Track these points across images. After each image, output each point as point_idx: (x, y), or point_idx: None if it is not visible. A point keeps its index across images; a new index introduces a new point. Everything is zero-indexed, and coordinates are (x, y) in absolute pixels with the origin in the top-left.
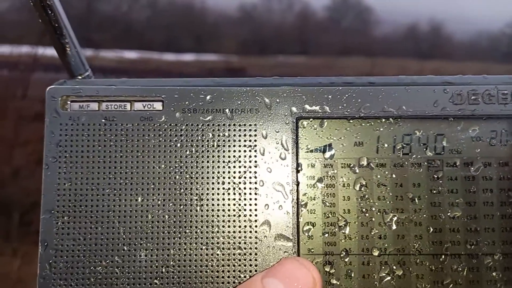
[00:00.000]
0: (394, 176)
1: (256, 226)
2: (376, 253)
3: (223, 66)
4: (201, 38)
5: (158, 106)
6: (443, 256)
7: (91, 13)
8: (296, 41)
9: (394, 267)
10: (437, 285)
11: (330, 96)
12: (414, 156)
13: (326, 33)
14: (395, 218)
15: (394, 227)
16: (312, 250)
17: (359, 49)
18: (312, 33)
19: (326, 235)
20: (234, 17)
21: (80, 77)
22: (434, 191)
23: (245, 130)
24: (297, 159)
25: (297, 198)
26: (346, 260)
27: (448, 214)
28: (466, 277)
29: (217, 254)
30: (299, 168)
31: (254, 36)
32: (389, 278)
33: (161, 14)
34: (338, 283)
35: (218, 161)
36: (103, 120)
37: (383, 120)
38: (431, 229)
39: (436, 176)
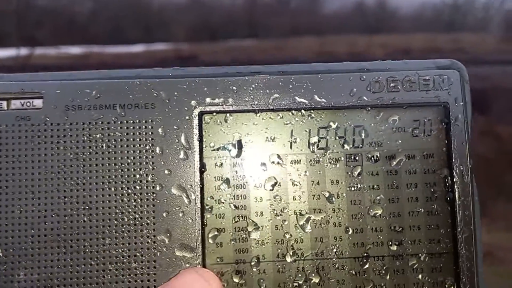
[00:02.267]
0: (309, 173)
1: (154, 236)
2: (291, 259)
3: (174, 54)
4: (149, 28)
5: (38, 103)
6: (365, 259)
7: (30, 8)
8: (246, 25)
9: (312, 274)
10: None
11: (235, 88)
12: (331, 150)
13: (275, 15)
14: (311, 220)
15: (310, 229)
16: (222, 259)
17: (308, 29)
18: (261, 16)
19: (237, 241)
20: (181, 3)
21: None
22: (354, 188)
23: (139, 128)
24: (201, 158)
25: (201, 202)
26: (259, 268)
27: (370, 212)
28: (390, 280)
29: (109, 270)
30: (203, 169)
31: (203, 21)
32: (305, 286)
33: (105, 6)
34: None
35: (109, 164)
36: None
37: (295, 112)
38: (351, 230)
39: (355, 172)
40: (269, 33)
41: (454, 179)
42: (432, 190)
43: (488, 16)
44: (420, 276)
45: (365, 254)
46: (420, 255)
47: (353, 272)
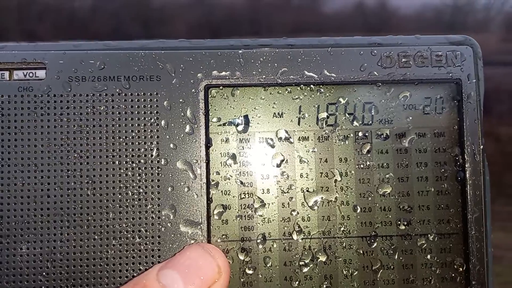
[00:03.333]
0: (317, 150)
1: (158, 211)
2: (297, 237)
3: None
4: (149, 24)
5: (41, 74)
6: (372, 239)
7: (31, 3)
8: (248, 22)
9: (319, 252)
10: (366, 271)
11: (242, 61)
12: (340, 127)
13: (277, 13)
14: (319, 198)
15: (318, 207)
16: (227, 236)
17: (310, 27)
18: (263, 13)
19: (242, 218)
20: (183, 0)
21: None
22: (362, 166)
23: (144, 100)
24: (206, 133)
25: (207, 178)
26: (264, 246)
27: (378, 191)
28: (398, 260)
29: (113, 245)
30: (209, 144)
31: (205, 18)
32: (312, 264)
33: (105, 1)
34: (255, 272)
35: (113, 137)
36: None
37: (304, 87)
38: (359, 209)
39: (364, 150)
40: (271, 31)
41: (466, 158)
42: (442, 169)
43: (489, 17)
44: (428, 256)
45: (373, 233)
46: (429, 235)
47: (361, 251)
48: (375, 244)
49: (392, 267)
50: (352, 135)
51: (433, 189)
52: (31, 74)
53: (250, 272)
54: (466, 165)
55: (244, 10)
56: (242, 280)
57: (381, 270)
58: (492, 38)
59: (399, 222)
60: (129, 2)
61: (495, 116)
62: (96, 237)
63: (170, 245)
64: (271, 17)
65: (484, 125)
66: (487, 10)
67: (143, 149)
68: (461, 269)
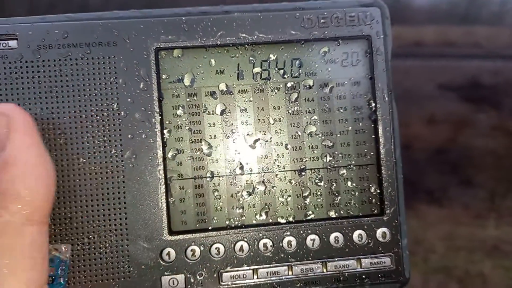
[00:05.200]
0: (254, 100)
1: (122, 156)
2: (241, 173)
3: None
4: (155, 2)
5: (13, 44)
6: (303, 171)
7: None
8: (257, 0)
9: (258, 185)
10: (298, 198)
11: (186, 26)
12: (272, 80)
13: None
14: (257, 140)
15: (256, 147)
16: (182, 176)
17: None
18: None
19: (194, 160)
20: None
21: None
22: (292, 112)
23: (104, 63)
24: (158, 89)
25: (161, 126)
26: (213, 181)
27: (306, 132)
28: (324, 188)
29: (84, 185)
30: (161, 98)
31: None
32: (253, 195)
33: None
34: (207, 204)
35: (79, 95)
36: None
37: (240, 47)
38: (291, 147)
39: (293, 98)
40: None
41: (377, 101)
42: (359, 112)
43: (504, 10)
44: (349, 184)
45: (303, 167)
46: (349, 166)
47: (293, 182)
48: (305, 176)
49: (319, 193)
50: (282, 86)
51: (351, 128)
52: (4, 45)
53: (203, 203)
54: (378, 107)
55: None
56: (196, 210)
57: (310, 197)
58: (506, 31)
59: (324, 157)
60: None
61: (506, 110)
62: (69, 179)
63: (133, 183)
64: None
65: (495, 119)
66: (502, 3)
67: (105, 104)
68: (376, 193)
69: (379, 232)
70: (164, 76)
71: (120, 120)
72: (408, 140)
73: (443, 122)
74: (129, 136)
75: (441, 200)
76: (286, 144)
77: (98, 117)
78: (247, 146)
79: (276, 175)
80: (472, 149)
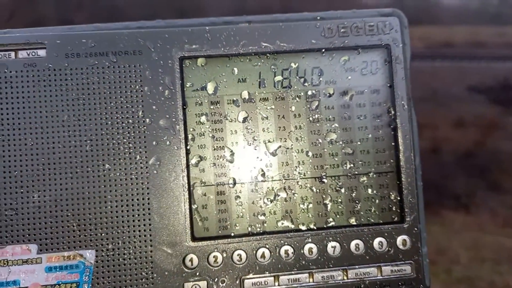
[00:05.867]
0: (275, 108)
1: (146, 162)
2: (262, 180)
3: None
4: (184, 12)
5: (42, 53)
6: (323, 178)
7: None
8: (280, 11)
9: (280, 192)
10: (319, 205)
11: (209, 35)
12: (293, 88)
13: (310, 2)
14: (278, 147)
15: (277, 155)
16: (204, 182)
17: None
18: (297, 2)
19: (216, 166)
20: None
21: None
22: (313, 120)
23: (130, 71)
24: (183, 96)
25: (185, 134)
26: (236, 188)
27: (326, 139)
28: (345, 195)
29: (110, 191)
30: (185, 106)
31: (239, 7)
32: (275, 202)
33: None
34: (230, 210)
35: (105, 102)
36: None
37: (261, 56)
38: (311, 155)
39: (313, 106)
40: None
41: (396, 109)
42: (378, 119)
43: None
44: (369, 191)
45: (324, 174)
46: (369, 174)
47: (314, 189)
48: (325, 183)
49: (340, 201)
50: (303, 94)
51: (371, 136)
52: (33, 53)
53: (225, 210)
54: (397, 114)
55: (276, 0)
56: (218, 217)
57: (331, 204)
58: None
59: (344, 164)
60: None
61: None
62: (95, 185)
63: (157, 190)
64: (304, 5)
65: None
66: None
67: (130, 111)
68: (396, 200)
69: (400, 239)
70: (188, 84)
71: (145, 127)
72: (436, 143)
73: (472, 125)
74: (154, 143)
75: (468, 206)
76: (307, 152)
77: (124, 124)
78: (269, 153)
79: (297, 182)
80: (501, 153)
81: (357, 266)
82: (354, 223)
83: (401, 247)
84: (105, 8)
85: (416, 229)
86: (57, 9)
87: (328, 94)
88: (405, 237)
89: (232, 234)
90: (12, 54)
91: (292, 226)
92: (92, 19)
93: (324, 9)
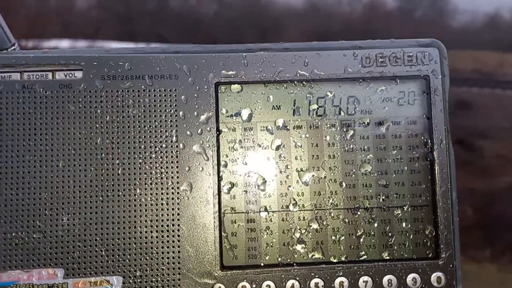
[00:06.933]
0: (309, 136)
1: (178, 188)
2: (293, 209)
3: None
4: (266, 32)
5: (78, 74)
6: (356, 210)
7: (163, 9)
8: (364, 34)
9: (311, 222)
10: (351, 237)
11: (246, 62)
12: (328, 117)
13: (396, 25)
14: (311, 176)
15: (310, 184)
16: (235, 209)
17: None
18: (381, 25)
19: (247, 193)
20: (300, 9)
21: (5, 51)
22: (347, 150)
23: (165, 95)
24: (217, 122)
25: (218, 160)
26: (266, 216)
27: (360, 170)
28: (378, 228)
29: (140, 216)
30: (219, 132)
31: (321, 28)
32: (306, 232)
33: (227, 8)
34: (260, 238)
35: (139, 126)
36: (22, 89)
37: (297, 83)
38: (345, 185)
39: (348, 135)
40: None
41: (434, 142)
42: (414, 151)
43: None
44: (404, 225)
45: (357, 206)
46: (404, 207)
47: (347, 221)
48: (359, 215)
49: (373, 234)
50: (338, 123)
51: (407, 168)
52: (70, 75)
53: (255, 239)
54: (434, 147)
55: (360, 20)
56: (247, 246)
57: (364, 236)
58: None
59: (378, 196)
60: (248, 10)
61: None
62: (125, 209)
63: (187, 216)
64: (389, 28)
65: None
66: None
67: (164, 136)
68: (431, 235)
69: (434, 276)
70: (222, 110)
71: (178, 152)
72: None
73: None
74: (186, 168)
75: None
76: (341, 182)
77: (157, 149)
78: (301, 182)
79: (330, 213)
80: None
81: None
82: (387, 258)
83: (435, 284)
84: (191, 26)
85: (451, 266)
86: (151, 25)
87: (363, 124)
88: (439, 274)
89: (262, 264)
90: (50, 74)
91: (323, 258)
92: (180, 34)
93: (409, 32)
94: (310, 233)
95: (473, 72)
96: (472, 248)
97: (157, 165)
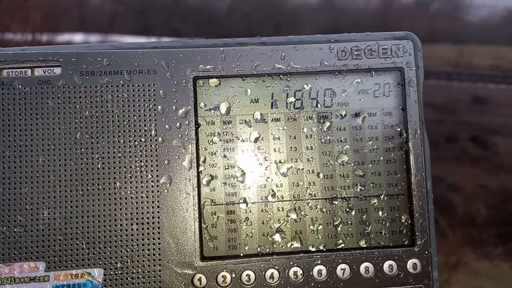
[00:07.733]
0: (287, 129)
1: (157, 181)
2: (272, 200)
3: None
4: (280, 26)
5: (57, 70)
6: (334, 200)
7: (178, 4)
8: (378, 28)
9: (290, 212)
10: (329, 226)
11: (224, 56)
12: (305, 109)
13: (411, 19)
14: (289, 167)
15: (288, 175)
16: (214, 201)
17: (447, 36)
18: (396, 19)
19: (227, 185)
20: (314, 4)
21: None
22: (324, 141)
23: (143, 90)
24: (196, 116)
25: (197, 153)
26: (246, 208)
27: (337, 161)
28: (355, 217)
29: (120, 209)
30: (198, 125)
31: (334, 23)
32: (285, 222)
33: (242, 2)
34: (240, 229)
35: (118, 121)
36: (1, 85)
37: (275, 77)
38: (322, 176)
39: (325, 127)
40: None
41: (409, 132)
42: (390, 142)
43: None
44: (380, 213)
45: (334, 196)
46: (380, 196)
47: (324, 210)
48: (336, 204)
49: (350, 222)
50: (315, 115)
51: (382, 158)
52: (49, 71)
53: (235, 229)
54: (409, 138)
55: (375, 15)
56: (227, 237)
57: (341, 225)
58: None
59: (355, 186)
60: (263, 4)
61: None
62: (105, 203)
63: (167, 209)
64: (403, 23)
65: None
66: None
67: (143, 130)
68: (407, 223)
69: (410, 263)
70: (201, 104)
71: (157, 146)
72: None
73: None
74: (165, 162)
75: None
76: (318, 173)
77: (136, 143)
78: (279, 173)
79: (308, 203)
80: None
81: None
82: (364, 246)
83: (411, 271)
84: (206, 20)
85: (427, 252)
86: (166, 19)
87: (340, 116)
88: (415, 260)
89: (241, 254)
90: (29, 71)
91: (302, 247)
92: (194, 29)
93: (423, 26)
94: (289, 223)
95: (492, 68)
96: (485, 245)
97: (137, 159)
